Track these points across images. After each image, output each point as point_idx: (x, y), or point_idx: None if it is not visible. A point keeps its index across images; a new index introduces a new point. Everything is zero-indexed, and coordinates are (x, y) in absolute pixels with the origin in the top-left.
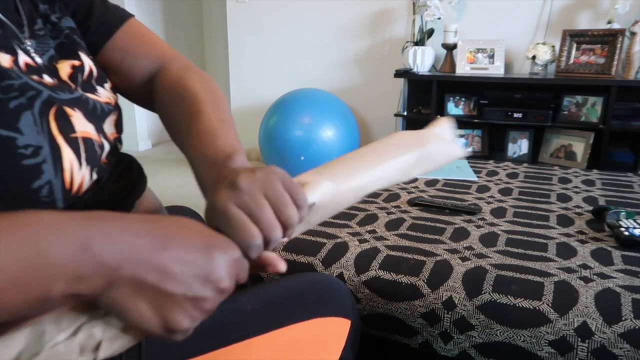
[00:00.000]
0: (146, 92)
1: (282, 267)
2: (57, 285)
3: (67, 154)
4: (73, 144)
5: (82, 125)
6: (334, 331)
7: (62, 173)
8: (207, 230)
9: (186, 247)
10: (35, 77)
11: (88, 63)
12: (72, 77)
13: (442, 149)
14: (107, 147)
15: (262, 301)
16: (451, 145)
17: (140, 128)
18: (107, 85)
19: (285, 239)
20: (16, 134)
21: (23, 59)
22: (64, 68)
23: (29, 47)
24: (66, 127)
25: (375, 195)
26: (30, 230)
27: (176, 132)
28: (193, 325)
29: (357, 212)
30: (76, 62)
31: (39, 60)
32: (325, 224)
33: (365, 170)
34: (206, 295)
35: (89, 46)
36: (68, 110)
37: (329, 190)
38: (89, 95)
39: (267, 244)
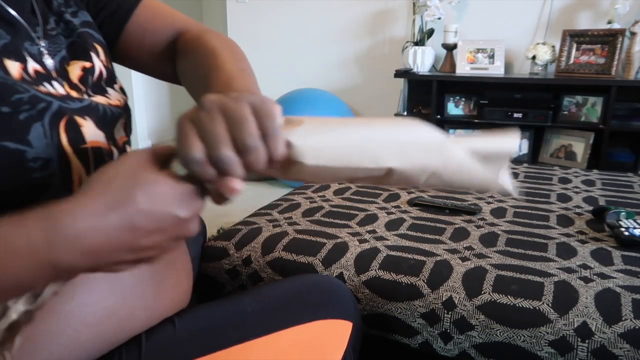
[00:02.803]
0: (169, 62)
1: (233, 184)
2: (35, 288)
3: (76, 166)
4: (83, 156)
5: (92, 135)
6: (335, 333)
7: (71, 185)
8: (171, 188)
9: (157, 221)
10: (43, 88)
11: (98, 65)
12: (83, 79)
13: (477, 168)
14: (116, 154)
15: (263, 303)
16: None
17: (141, 128)
18: (117, 85)
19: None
20: (26, 147)
21: (32, 66)
22: (75, 70)
23: (42, 49)
24: (76, 138)
25: (375, 195)
26: None
27: (197, 90)
28: (148, 262)
29: (357, 212)
30: (87, 64)
31: (49, 63)
32: (325, 224)
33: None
34: (175, 243)
35: (108, 33)
36: (79, 120)
37: (318, 134)
38: (99, 98)
39: (216, 164)
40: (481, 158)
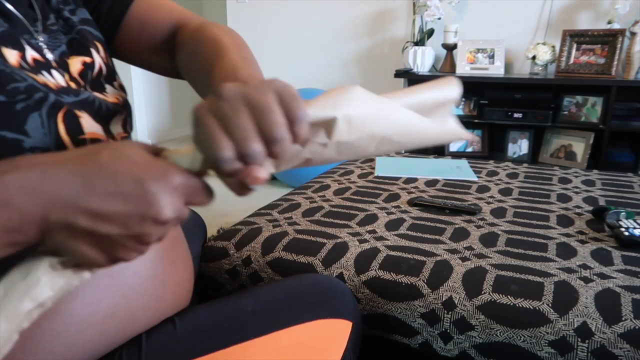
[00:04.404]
0: (169, 56)
1: (260, 172)
2: None
3: None
4: (81, 146)
5: (90, 127)
6: (335, 333)
7: None
8: (143, 158)
9: (115, 184)
10: (42, 77)
11: (98, 60)
12: (82, 74)
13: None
14: None
15: (263, 302)
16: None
17: (141, 128)
18: (116, 83)
19: (277, 167)
20: (23, 137)
21: (31, 54)
22: (75, 64)
23: (41, 43)
24: (75, 129)
25: (375, 195)
26: None
27: (200, 81)
28: (144, 252)
29: (357, 212)
30: (87, 59)
31: (49, 56)
32: (325, 224)
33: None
34: (146, 231)
35: (105, 28)
36: (77, 112)
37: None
38: (96, 94)
39: (243, 158)
40: (426, 111)
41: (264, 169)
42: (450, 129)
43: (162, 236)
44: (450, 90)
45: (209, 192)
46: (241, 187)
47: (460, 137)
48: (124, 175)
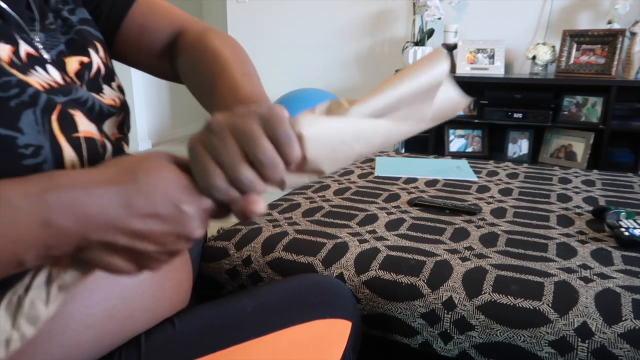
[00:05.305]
0: (169, 61)
1: (256, 206)
2: (27, 255)
3: (69, 154)
4: (75, 144)
5: (84, 125)
6: (335, 333)
7: None
8: (177, 178)
9: (155, 206)
10: (34, 77)
11: (96, 61)
12: (79, 73)
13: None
14: (109, 147)
15: (262, 303)
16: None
17: (140, 128)
18: (115, 84)
19: (281, 185)
20: (16, 133)
21: (25, 48)
22: (72, 63)
23: (37, 43)
24: (69, 126)
25: (375, 195)
26: None
27: (201, 93)
28: (170, 262)
29: (357, 212)
30: (85, 59)
31: (46, 55)
32: (325, 224)
33: (377, 94)
34: (179, 248)
35: (104, 29)
36: (70, 110)
37: (326, 119)
38: (92, 95)
39: (236, 185)
40: (421, 96)
41: (261, 201)
42: (445, 105)
43: (189, 247)
44: (438, 69)
45: (229, 211)
46: (242, 215)
47: (458, 107)
48: (162, 198)
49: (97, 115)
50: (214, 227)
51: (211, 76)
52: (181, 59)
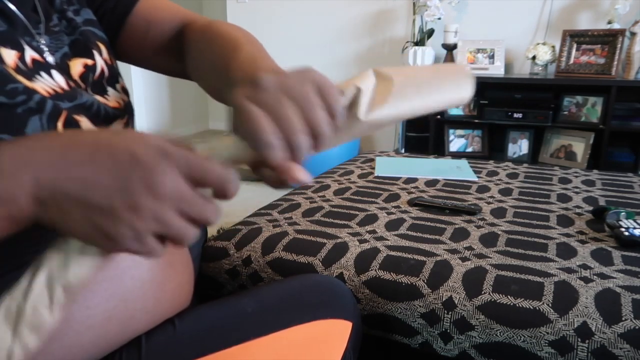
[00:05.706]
0: (174, 55)
1: (302, 175)
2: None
3: None
4: None
5: None
6: (335, 333)
7: None
8: (147, 135)
9: (109, 154)
10: (39, 83)
11: (100, 63)
12: (83, 76)
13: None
14: None
15: (263, 303)
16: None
17: (141, 128)
18: (119, 85)
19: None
20: None
21: (30, 54)
22: (76, 66)
23: (42, 46)
24: None
25: (375, 195)
26: None
27: (212, 77)
28: (143, 237)
29: (357, 212)
30: (89, 61)
31: (50, 58)
32: (325, 224)
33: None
34: (142, 202)
35: (109, 27)
36: (75, 117)
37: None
38: (97, 97)
39: (290, 150)
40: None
41: (305, 171)
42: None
43: (166, 216)
44: (463, 93)
45: (237, 184)
46: (279, 182)
47: (462, 101)
48: (122, 141)
49: (102, 119)
50: (214, 227)
51: (225, 55)
52: (190, 48)
